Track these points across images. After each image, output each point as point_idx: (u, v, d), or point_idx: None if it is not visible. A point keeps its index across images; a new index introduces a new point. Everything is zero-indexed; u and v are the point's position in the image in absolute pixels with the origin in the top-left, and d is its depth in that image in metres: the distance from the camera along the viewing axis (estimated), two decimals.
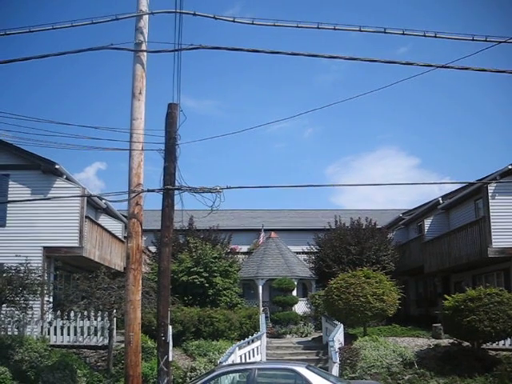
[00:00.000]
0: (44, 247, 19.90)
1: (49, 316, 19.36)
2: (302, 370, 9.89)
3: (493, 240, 20.63)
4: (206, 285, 22.58)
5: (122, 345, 13.54)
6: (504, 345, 18.50)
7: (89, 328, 18.71)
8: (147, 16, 11.27)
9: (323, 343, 19.89)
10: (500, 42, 9.24)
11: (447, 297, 17.92)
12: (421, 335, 20.55)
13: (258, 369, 10.07)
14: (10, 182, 20.45)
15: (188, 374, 16.42)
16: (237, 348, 15.02)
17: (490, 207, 21.03)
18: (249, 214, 40.51)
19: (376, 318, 20.53)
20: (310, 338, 22.53)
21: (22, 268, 17.01)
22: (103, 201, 24.26)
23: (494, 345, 18.04)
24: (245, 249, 34.03)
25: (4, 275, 16.86)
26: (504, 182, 20.99)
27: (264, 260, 28.32)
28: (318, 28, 9.52)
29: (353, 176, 77.05)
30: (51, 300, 19.62)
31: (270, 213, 40.90)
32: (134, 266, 10.81)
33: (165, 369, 10.95)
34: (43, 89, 77.89)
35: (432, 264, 26.04)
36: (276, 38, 69.88)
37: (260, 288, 27.28)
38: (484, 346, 17.60)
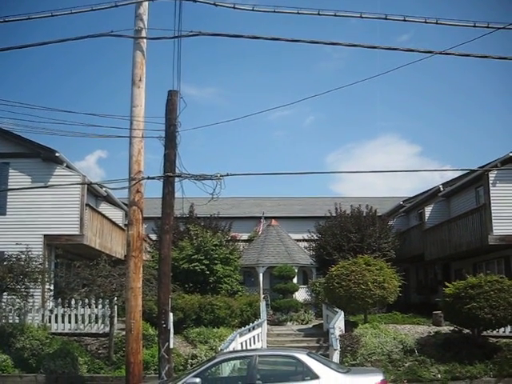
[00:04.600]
0: (44, 235, 19.85)
1: (50, 304, 19.37)
2: (303, 356, 9.89)
3: (493, 227, 20.63)
4: (207, 272, 22.58)
5: (123, 332, 13.57)
6: (504, 332, 18.51)
7: (90, 316, 18.72)
8: (147, 2, 11.20)
9: (324, 330, 19.92)
10: (499, 28, 9.18)
11: (448, 284, 17.88)
12: (421, 322, 20.57)
13: (259, 356, 10.06)
14: (10, 170, 20.35)
15: (189, 361, 16.49)
16: (238, 335, 15.03)
17: (491, 195, 21.00)
18: (249, 202, 40.47)
19: (377, 306, 20.58)
20: (310, 326, 22.58)
21: (22, 256, 17.05)
22: (104, 189, 24.20)
23: (495, 332, 18.04)
24: (245, 236, 34.06)
25: (5, 263, 16.92)
26: (505, 170, 20.94)
27: (264, 247, 28.34)
28: (318, 14, 9.43)
29: (354, 164, 77.01)
30: (52, 288, 19.65)
31: (271, 200, 40.85)
32: (134, 254, 10.82)
33: (166, 356, 11.01)
34: (43, 76, 77.71)
35: (432, 251, 26.06)
36: (277, 26, 69.50)
37: (261, 275, 27.31)
38: (484, 333, 17.62)
